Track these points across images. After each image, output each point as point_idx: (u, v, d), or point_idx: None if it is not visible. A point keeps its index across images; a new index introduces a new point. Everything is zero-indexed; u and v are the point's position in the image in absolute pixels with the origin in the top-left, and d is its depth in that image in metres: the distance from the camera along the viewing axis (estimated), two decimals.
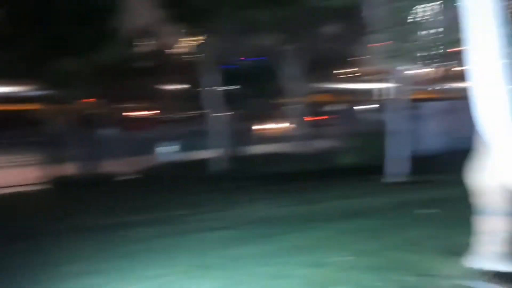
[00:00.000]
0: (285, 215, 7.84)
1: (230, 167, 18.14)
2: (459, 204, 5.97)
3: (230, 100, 22.68)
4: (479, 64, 2.62)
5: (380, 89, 43.87)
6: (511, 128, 2.77)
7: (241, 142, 21.53)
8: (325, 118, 39.35)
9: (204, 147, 20.03)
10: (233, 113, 22.94)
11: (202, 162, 19.17)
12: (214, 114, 18.74)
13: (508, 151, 2.95)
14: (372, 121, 22.11)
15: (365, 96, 45.13)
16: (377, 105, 25.99)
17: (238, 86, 23.47)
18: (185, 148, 20.54)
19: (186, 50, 27.91)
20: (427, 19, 11.76)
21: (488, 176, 3.39)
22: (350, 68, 52.54)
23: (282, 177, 14.22)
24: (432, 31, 11.65)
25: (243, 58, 25.65)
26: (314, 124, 32.63)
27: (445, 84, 38.22)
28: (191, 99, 24.50)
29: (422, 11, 11.40)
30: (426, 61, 14.45)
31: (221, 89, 19.82)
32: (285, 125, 32.70)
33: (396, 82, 11.97)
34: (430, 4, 12.07)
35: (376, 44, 11.96)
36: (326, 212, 7.85)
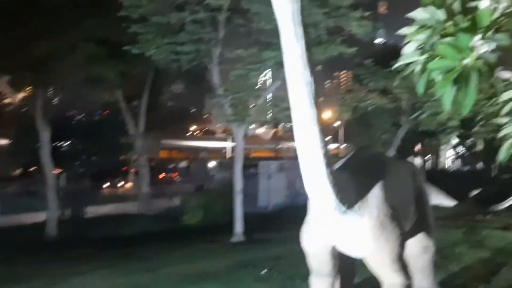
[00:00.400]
0: (125, 286, 7.31)
1: (69, 231, 16.57)
2: (299, 262, 6.28)
3: (67, 156, 21.16)
4: (298, 128, 2.86)
5: (226, 148, 45.75)
6: (329, 192, 2.99)
7: (81, 202, 19.97)
8: (173, 176, 39.17)
9: (36, 209, 18.05)
10: (71, 171, 21.40)
11: (34, 227, 17.19)
12: (47, 172, 17.05)
13: (327, 215, 3.20)
14: (220, 179, 22.64)
15: (214, 153, 46.38)
16: (224, 163, 26.78)
17: (77, 142, 22.07)
18: (11, 211, 18.06)
19: (16, 102, 25.57)
20: (262, 86, 12.81)
21: (312, 238, 3.62)
22: (199, 126, 53.92)
23: (126, 241, 13.45)
24: (268, 97, 12.71)
25: (83, 113, 24.45)
26: (162, 181, 32.17)
27: (285, 144, 41.47)
28: (20, 155, 22.09)
29: (258, 80, 12.39)
30: (264, 123, 15.56)
31: (55, 144, 18.34)
32: (130, 183, 31.58)
33: (238, 141, 12.52)
34: (265, 74, 13.22)
35: (219, 105, 12.52)
36: (171, 278, 7.55)
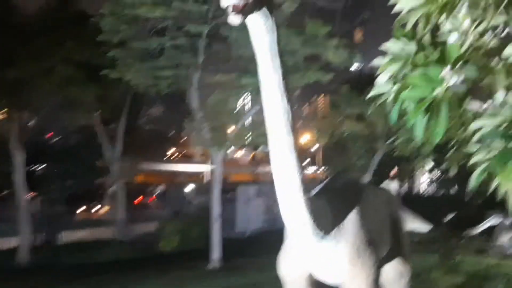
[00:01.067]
0: None
1: (41, 258, 16.11)
2: None
3: (42, 180, 20.72)
4: (275, 156, 2.89)
5: (204, 172, 45.45)
6: (305, 219, 3.00)
7: (55, 227, 19.50)
8: (150, 200, 38.59)
9: (8, 234, 17.52)
10: (45, 195, 20.93)
11: (6, 253, 16.66)
12: (21, 196, 16.61)
13: (303, 241, 3.21)
14: (197, 203, 22.44)
15: (192, 177, 45.95)
16: (202, 187, 26.58)
17: (52, 165, 21.64)
18: None
19: None
20: (241, 111, 12.90)
21: (289, 265, 3.60)
22: (177, 150, 53.55)
23: (101, 268, 13.11)
24: (246, 121, 12.79)
25: (59, 135, 24.07)
26: (138, 206, 31.63)
27: (263, 168, 41.38)
28: None
29: (237, 104, 12.49)
30: (243, 147, 15.60)
31: (30, 168, 17.91)
32: (106, 207, 30.98)
33: (216, 165, 12.48)
34: (243, 99, 13.34)
35: (198, 129, 12.52)
36: None
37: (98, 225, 21.48)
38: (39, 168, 22.01)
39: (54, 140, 24.54)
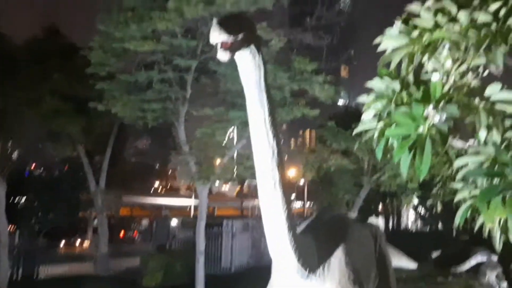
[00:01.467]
0: None
1: None
2: None
3: (23, 213, 20.27)
4: (262, 191, 2.87)
5: (190, 205, 44.96)
6: (291, 256, 2.95)
7: (35, 262, 18.93)
8: (133, 235, 37.91)
9: None
10: (26, 228, 20.41)
11: None
12: (1, 229, 16.15)
13: (289, 278, 3.15)
14: (182, 238, 22.04)
15: (177, 211, 45.34)
16: (187, 221, 26.17)
17: (34, 198, 21.22)
18: None
19: None
20: (228, 144, 12.91)
21: None
22: (162, 183, 53.10)
23: None
24: (233, 155, 12.79)
25: (42, 167, 23.73)
26: (121, 240, 31.00)
27: (250, 201, 41.08)
28: None
29: (224, 138, 12.51)
30: (229, 180, 15.51)
31: (11, 200, 17.49)
32: (88, 241, 30.32)
33: (202, 199, 12.35)
34: (231, 132, 13.38)
35: (185, 162, 12.45)
36: None
37: (80, 260, 20.93)
38: (20, 200, 21.57)
39: (37, 171, 24.18)
